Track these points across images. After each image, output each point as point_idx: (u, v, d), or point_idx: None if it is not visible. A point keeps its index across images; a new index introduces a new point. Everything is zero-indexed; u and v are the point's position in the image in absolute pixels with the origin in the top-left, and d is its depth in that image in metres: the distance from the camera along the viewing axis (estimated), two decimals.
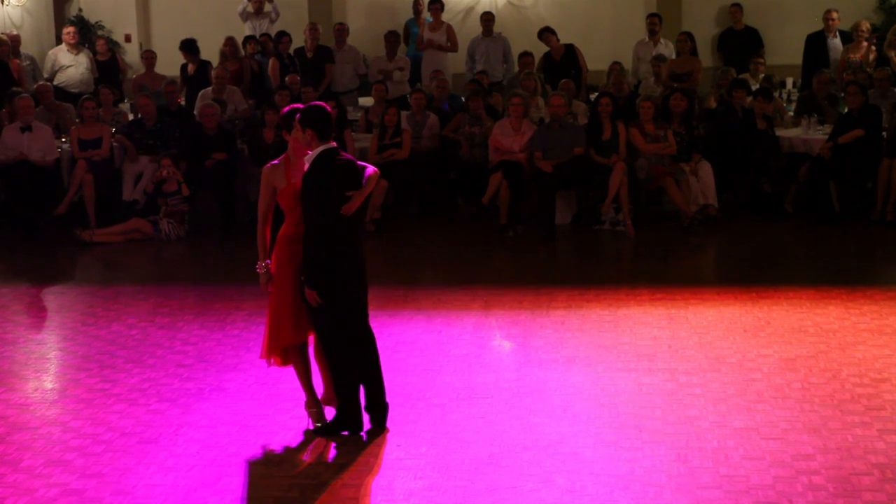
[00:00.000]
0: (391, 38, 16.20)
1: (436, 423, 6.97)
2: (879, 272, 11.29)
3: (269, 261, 6.86)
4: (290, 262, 6.72)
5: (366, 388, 6.87)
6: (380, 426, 6.86)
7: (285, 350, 6.87)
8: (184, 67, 15.72)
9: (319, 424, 6.91)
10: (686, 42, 15.73)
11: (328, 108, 6.72)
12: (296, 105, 6.92)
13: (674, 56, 16.03)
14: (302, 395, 7.05)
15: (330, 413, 6.95)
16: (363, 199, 6.68)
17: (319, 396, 7.00)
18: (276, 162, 6.88)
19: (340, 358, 6.73)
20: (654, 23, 16.20)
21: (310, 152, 6.65)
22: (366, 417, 6.87)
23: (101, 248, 12.50)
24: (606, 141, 12.82)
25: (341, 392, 6.79)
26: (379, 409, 6.89)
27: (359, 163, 6.86)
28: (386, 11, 18.19)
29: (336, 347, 6.72)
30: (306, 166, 6.63)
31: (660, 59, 15.41)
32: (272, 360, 6.92)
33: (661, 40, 16.19)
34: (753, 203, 13.28)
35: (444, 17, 16.65)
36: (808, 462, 6.24)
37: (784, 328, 8.77)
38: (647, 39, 16.22)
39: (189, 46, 15.61)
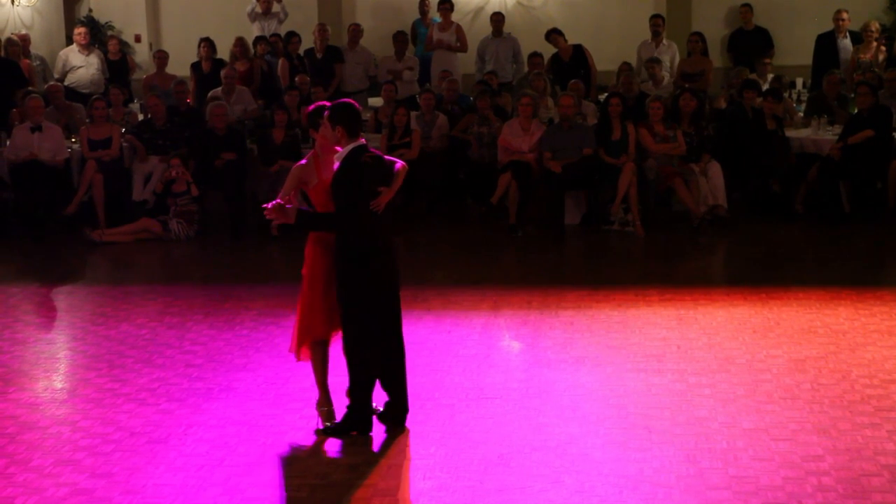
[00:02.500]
0: (399, 39, 16.21)
1: (445, 423, 6.97)
2: (889, 273, 11.26)
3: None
4: (323, 258, 6.76)
5: (389, 390, 6.86)
6: (400, 425, 6.86)
7: (314, 344, 6.89)
8: (197, 66, 15.71)
9: (329, 424, 6.92)
10: (697, 42, 15.75)
11: (357, 105, 6.74)
12: (323, 103, 6.92)
13: (677, 58, 16.04)
14: (311, 395, 7.07)
15: (340, 413, 6.96)
16: (393, 194, 6.71)
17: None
18: (304, 161, 6.92)
19: (360, 356, 6.72)
20: (658, 24, 16.20)
21: (339, 150, 6.66)
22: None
23: (110, 247, 12.53)
24: (616, 141, 12.82)
25: (355, 390, 6.78)
26: (400, 411, 6.89)
27: (387, 157, 6.88)
28: (394, 12, 18.19)
29: (357, 345, 6.71)
30: (336, 164, 6.65)
31: (654, 61, 15.41)
32: (301, 354, 6.94)
33: (665, 41, 16.18)
34: (763, 203, 13.26)
35: (454, 17, 16.64)
36: (817, 463, 6.22)
37: (793, 329, 8.75)
38: (649, 41, 16.21)
39: (211, 42, 15.66)
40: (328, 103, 6.91)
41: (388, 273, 6.77)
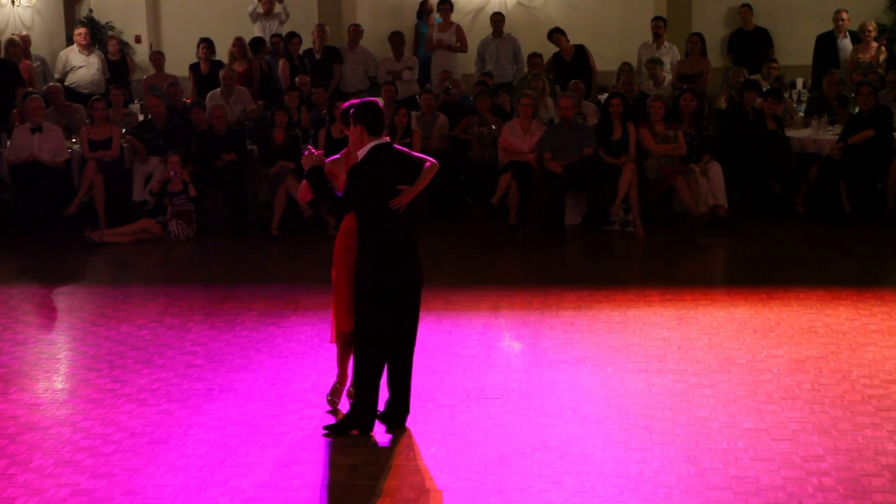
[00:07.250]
0: (396, 39, 16.20)
1: (445, 423, 6.97)
2: (890, 273, 11.26)
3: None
4: (349, 253, 6.82)
5: (392, 389, 6.86)
6: (400, 426, 6.86)
7: (345, 335, 6.98)
8: (195, 66, 15.71)
9: (333, 399, 7.05)
10: (696, 43, 15.75)
11: (380, 105, 6.77)
12: (352, 101, 6.96)
13: (677, 59, 16.04)
14: (311, 395, 7.16)
15: (342, 401, 7.00)
16: (415, 193, 6.70)
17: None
18: (337, 156, 7.01)
19: (368, 353, 6.70)
20: (659, 26, 16.20)
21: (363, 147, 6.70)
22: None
23: (110, 248, 12.53)
24: (616, 141, 12.82)
25: (360, 388, 6.76)
26: (401, 411, 6.88)
27: (417, 155, 6.88)
28: (395, 12, 18.20)
29: (366, 342, 6.70)
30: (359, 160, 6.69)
31: (655, 62, 15.42)
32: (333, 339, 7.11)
33: (666, 43, 16.19)
34: (763, 204, 13.26)
35: (454, 17, 16.65)
36: (818, 463, 6.22)
37: (794, 329, 8.75)
38: (650, 42, 16.22)
39: (210, 43, 15.65)
40: (356, 101, 6.97)
41: (405, 272, 6.76)
